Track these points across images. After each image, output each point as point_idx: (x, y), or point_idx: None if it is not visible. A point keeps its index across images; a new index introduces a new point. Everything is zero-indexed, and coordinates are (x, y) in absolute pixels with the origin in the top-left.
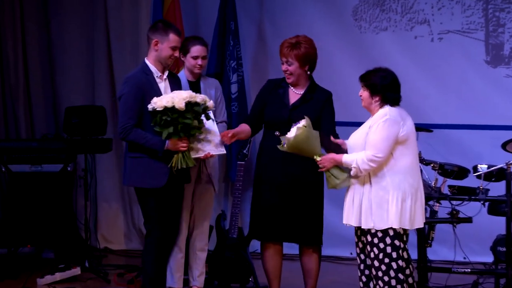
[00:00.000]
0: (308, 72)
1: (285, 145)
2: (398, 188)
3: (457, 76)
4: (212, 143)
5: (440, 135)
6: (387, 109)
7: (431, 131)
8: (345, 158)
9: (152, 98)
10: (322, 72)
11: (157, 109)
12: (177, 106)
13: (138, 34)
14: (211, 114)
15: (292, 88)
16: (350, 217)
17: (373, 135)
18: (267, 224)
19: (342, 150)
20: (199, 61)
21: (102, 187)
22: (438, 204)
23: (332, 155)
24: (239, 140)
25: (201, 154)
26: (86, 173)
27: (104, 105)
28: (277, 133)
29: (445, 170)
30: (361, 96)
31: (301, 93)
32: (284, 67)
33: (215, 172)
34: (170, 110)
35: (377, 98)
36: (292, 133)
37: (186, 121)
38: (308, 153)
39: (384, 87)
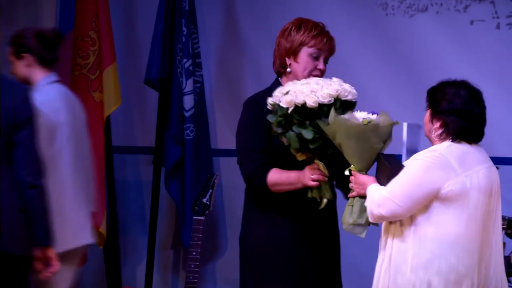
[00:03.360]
0: None
1: (344, 118)
2: (424, 268)
3: None
4: None
5: (510, 174)
6: (444, 144)
7: (496, 168)
8: (372, 188)
9: None
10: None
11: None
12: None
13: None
14: None
15: None
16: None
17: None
18: None
19: None
20: None
21: None
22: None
23: (370, 178)
24: (195, 184)
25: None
26: None
27: None
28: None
29: None
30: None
31: None
32: (322, 65)
33: None
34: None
35: (437, 124)
36: (382, 116)
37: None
38: (352, 154)
39: (452, 110)
